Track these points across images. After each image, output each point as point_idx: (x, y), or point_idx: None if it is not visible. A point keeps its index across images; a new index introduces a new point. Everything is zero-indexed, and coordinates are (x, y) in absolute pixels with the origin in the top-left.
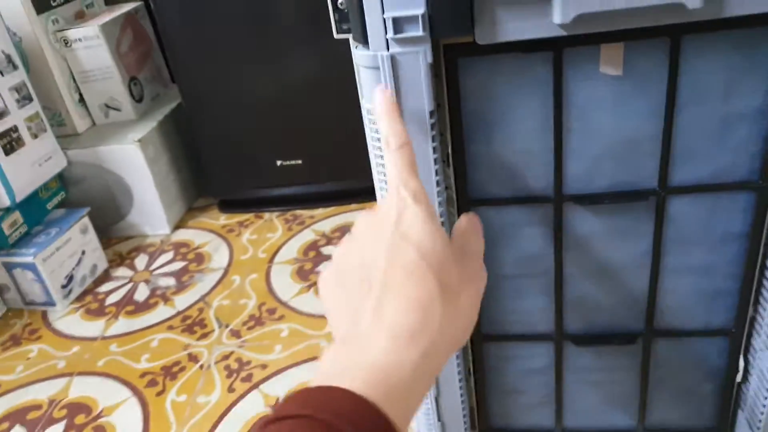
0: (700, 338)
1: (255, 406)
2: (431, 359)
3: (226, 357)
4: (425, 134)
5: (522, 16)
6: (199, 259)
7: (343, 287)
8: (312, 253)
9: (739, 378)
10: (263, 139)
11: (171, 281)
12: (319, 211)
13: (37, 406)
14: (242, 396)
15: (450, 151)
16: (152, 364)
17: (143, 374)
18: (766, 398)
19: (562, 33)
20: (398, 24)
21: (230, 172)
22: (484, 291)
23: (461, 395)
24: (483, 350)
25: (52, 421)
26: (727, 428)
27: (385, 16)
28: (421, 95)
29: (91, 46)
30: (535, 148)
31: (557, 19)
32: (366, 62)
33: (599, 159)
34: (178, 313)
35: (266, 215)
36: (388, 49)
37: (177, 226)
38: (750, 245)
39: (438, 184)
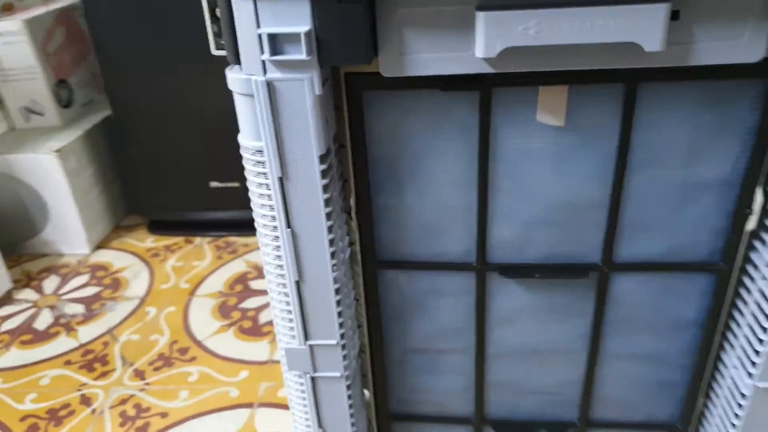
0: None
1: None
2: None
3: (124, 401)
4: (314, 183)
5: (438, 46)
6: (116, 285)
7: None
8: (239, 287)
9: None
10: (197, 158)
11: (79, 308)
12: (255, 240)
13: None
14: None
15: (353, 202)
16: (37, 406)
17: (24, 417)
18: None
19: (489, 70)
20: (277, 43)
21: (161, 190)
22: None
23: None
24: (391, 431)
25: None
26: None
27: (260, 32)
28: (308, 136)
29: (13, 42)
30: (455, 206)
31: (480, 52)
32: (238, 87)
33: (532, 224)
34: (80, 346)
35: (197, 240)
36: (264, 73)
37: (99, 246)
38: (704, 334)
39: (332, 243)
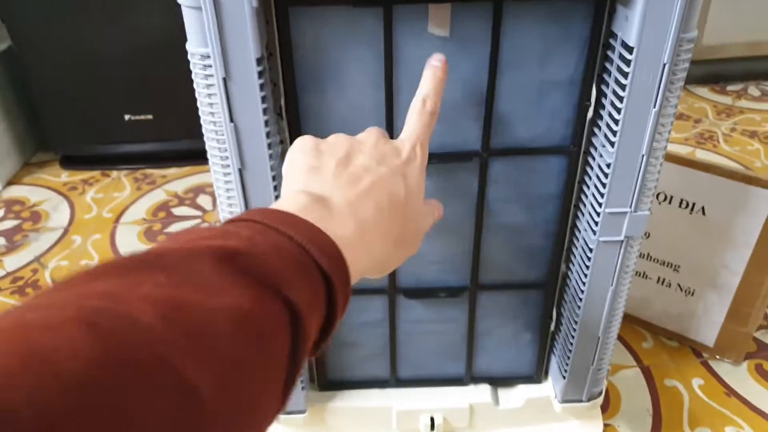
0: (520, 291)
1: None
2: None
3: None
4: (252, 82)
5: None
6: (35, 217)
7: (322, 160)
8: (162, 214)
9: (552, 327)
10: (109, 91)
11: (0, 240)
12: (172, 171)
13: None
14: None
15: (283, 102)
16: None
17: None
18: (571, 344)
19: None
20: None
21: (72, 125)
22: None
23: None
24: None
25: None
26: (542, 374)
27: None
28: (247, 41)
29: None
30: (367, 104)
31: None
32: (188, 2)
33: None
34: (8, 274)
35: (114, 173)
36: None
37: (10, 182)
38: (563, 205)
39: (269, 135)
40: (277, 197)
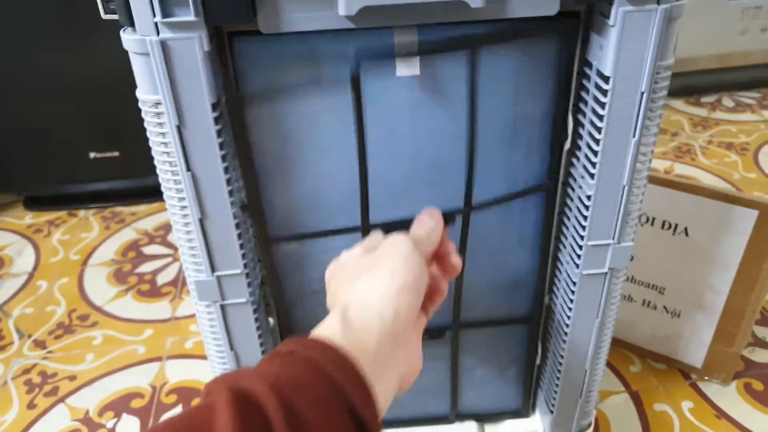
0: (503, 327)
1: (60, 421)
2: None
3: (27, 371)
4: (208, 129)
5: (308, 6)
6: None
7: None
8: (132, 254)
9: (538, 361)
10: (72, 128)
11: None
12: (142, 208)
13: None
14: (45, 412)
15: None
16: None
17: None
18: (558, 378)
19: (351, 25)
20: (167, 6)
21: (36, 164)
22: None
23: None
24: None
25: None
26: (528, 409)
27: None
28: (201, 87)
29: None
30: (335, 148)
31: (342, 10)
32: (135, 47)
33: (404, 183)
34: None
35: (81, 213)
36: (158, 33)
37: None
38: (543, 240)
39: (229, 182)
40: (241, 245)
